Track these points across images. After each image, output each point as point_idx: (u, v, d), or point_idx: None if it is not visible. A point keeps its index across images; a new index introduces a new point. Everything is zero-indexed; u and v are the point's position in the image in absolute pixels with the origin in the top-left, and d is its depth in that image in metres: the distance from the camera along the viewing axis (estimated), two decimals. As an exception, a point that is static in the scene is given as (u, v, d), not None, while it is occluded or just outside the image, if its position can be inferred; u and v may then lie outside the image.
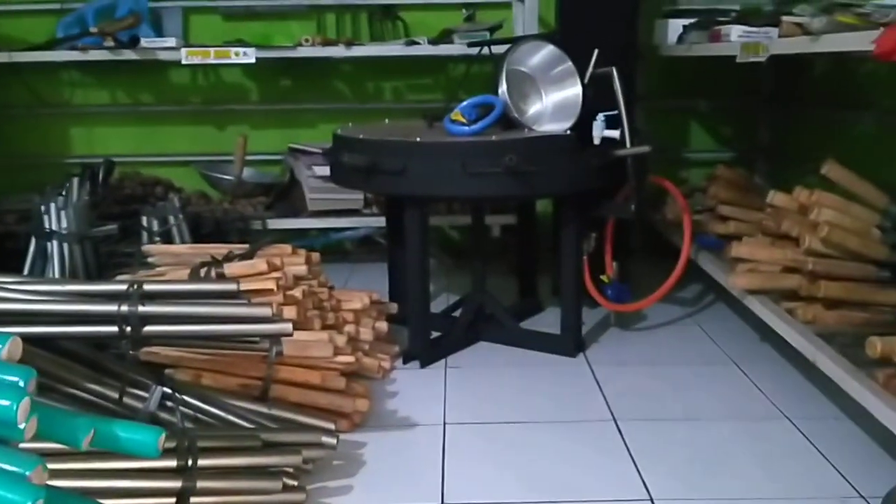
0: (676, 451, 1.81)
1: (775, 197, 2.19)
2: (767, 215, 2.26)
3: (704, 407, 2.03)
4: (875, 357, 1.62)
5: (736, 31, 2.31)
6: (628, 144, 2.22)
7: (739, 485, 1.66)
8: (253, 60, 3.00)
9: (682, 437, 1.88)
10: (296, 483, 1.55)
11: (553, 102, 2.37)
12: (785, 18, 1.94)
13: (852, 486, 1.64)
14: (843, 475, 1.68)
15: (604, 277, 2.58)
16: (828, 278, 1.97)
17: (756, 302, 2.15)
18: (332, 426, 1.74)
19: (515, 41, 2.42)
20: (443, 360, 2.35)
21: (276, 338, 1.76)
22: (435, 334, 2.41)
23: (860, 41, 1.56)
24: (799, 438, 1.85)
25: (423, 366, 2.30)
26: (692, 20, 2.79)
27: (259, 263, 2.02)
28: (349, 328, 2.12)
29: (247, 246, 2.20)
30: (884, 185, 2.09)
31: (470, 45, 2.86)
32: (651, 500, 1.61)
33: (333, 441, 1.66)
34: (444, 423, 1.96)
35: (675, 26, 2.87)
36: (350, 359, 1.92)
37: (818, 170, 2.14)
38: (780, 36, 2.02)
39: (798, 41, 1.87)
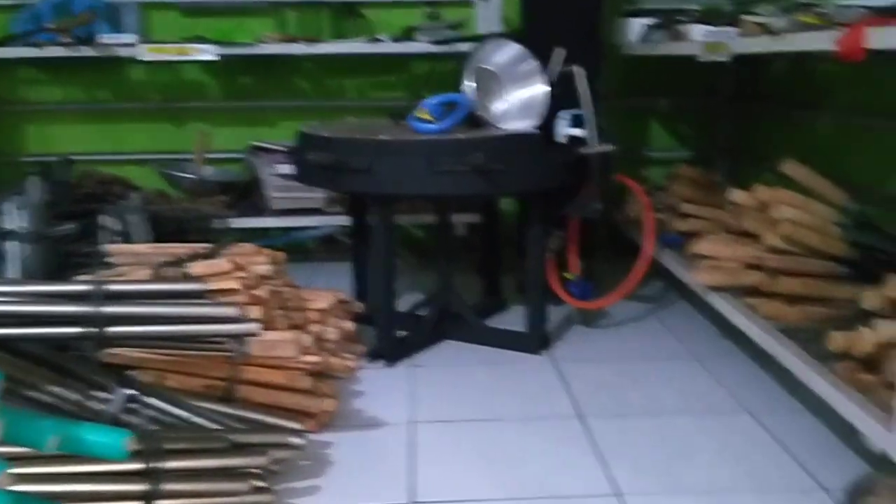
0: (641, 446, 1.83)
1: (736, 195, 2.22)
2: (728, 213, 2.29)
3: (668, 402, 2.06)
4: (835, 351, 1.65)
5: (698, 31, 2.34)
6: (593, 143, 2.24)
7: (704, 478, 1.68)
8: (214, 57, 2.96)
9: (647, 432, 1.90)
10: (263, 484, 1.53)
11: (518, 101, 2.37)
12: (746, 18, 1.97)
13: (813, 479, 1.67)
14: (803, 467, 1.72)
15: (568, 275, 2.59)
16: (788, 274, 2.00)
17: (718, 298, 2.18)
18: (299, 426, 1.73)
19: (481, 39, 2.42)
20: (409, 359, 2.34)
21: (241, 338, 1.74)
22: (401, 333, 2.40)
23: (821, 41, 1.59)
24: (760, 432, 1.88)
25: (389, 365, 2.29)
26: (654, 20, 2.82)
27: (223, 263, 1.99)
28: (315, 328, 2.09)
29: (210, 245, 2.17)
30: (842, 183, 2.13)
31: (435, 42, 2.85)
32: (618, 495, 1.62)
33: (301, 441, 1.64)
34: (412, 422, 1.95)
35: (638, 25, 2.90)
36: (316, 358, 1.90)
37: (778, 168, 2.18)
38: (741, 35, 2.05)
39: (760, 41, 1.90)
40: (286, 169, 2.75)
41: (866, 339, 1.56)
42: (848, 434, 1.76)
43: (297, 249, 3.42)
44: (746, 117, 3.35)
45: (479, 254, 2.89)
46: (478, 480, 1.69)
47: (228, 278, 1.95)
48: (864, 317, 1.65)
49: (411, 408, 2.03)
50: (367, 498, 1.63)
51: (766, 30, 1.82)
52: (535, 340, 2.40)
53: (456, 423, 1.95)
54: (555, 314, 2.66)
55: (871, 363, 1.63)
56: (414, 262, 3.31)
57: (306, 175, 2.32)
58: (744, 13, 2.06)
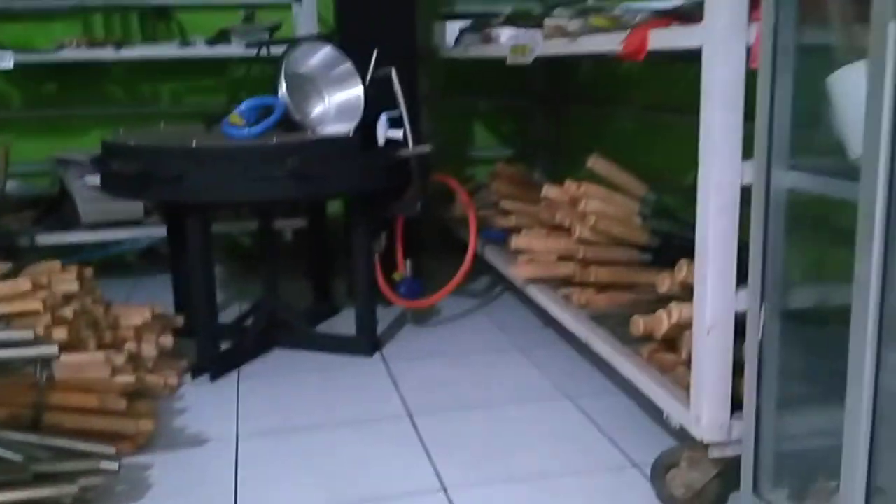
0: (468, 439, 1.87)
1: (549, 190, 2.31)
2: (543, 208, 2.39)
3: (495, 394, 2.12)
4: (639, 335, 1.75)
5: (505, 34, 2.41)
6: (411, 144, 2.27)
7: (527, 465, 1.74)
8: (10, 66, 2.76)
9: (474, 424, 1.94)
10: (72, 515, 1.45)
11: (336, 103, 2.37)
12: (547, 21, 2.05)
13: (626, 456, 1.77)
14: (618, 447, 1.81)
15: (396, 275, 2.62)
16: (598, 264, 2.10)
17: (536, 290, 2.27)
18: (112, 450, 1.64)
19: (293, 42, 2.40)
20: (235, 372, 2.28)
21: (43, 361, 1.64)
22: (226, 345, 2.34)
23: (611, 42, 1.68)
24: (579, 416, 1.97)
25: (213, 379, 2.22)
26: (468, 23, 2.89)
27: (23, 283, 1.87)
28: (130, 346, 2.01)
29: (9, 264, 2.03)
30: (643, 175, 2.26)
31: (248, 45, 2.79)
32: (443, 489, 1.65)
33: (115, 465, 1.56)
34: (237, 436, 1.90)
35: (453, 28, 2.97)
36: (130, 378, 1.82)
37: (587, 163, 2.28)
38: (544, 38, 2.13)
39: (558, 43, 1.98)
40: (96, 180, 2.62)
41: (664, 321, 1.66)
42: (655, 412, 1.86)
43: (116, 264, 3.27)
44: (559, 115, 3.50)
45: (307, 259, 2.86)
46: (306, 490, 1.67)
47: (30, 299, 1.83)
48: (667, 300, 1.76)
49: (237, 421, 1.98)
50: (188, 518, 1.57)
51: (564, 32, 1.91)
52: (366, 343, 2.40)
53: (284, 434, 1.92)
54: (386, 315, 2.67)
55: (671, 343, 1.74)
56: (240, 271, 3.23)
57: (112, 186, 2.21)
58: (548, 16, 2.14)
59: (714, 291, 1.42)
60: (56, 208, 3.05)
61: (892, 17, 0.95)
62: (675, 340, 1.73)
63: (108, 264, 3.21)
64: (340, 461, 1.78)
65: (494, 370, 2.27)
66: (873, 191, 1.00)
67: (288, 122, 2.23)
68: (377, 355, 2.40)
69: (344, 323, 2.65)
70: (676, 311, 1.63)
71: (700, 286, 1.43)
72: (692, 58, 1.42)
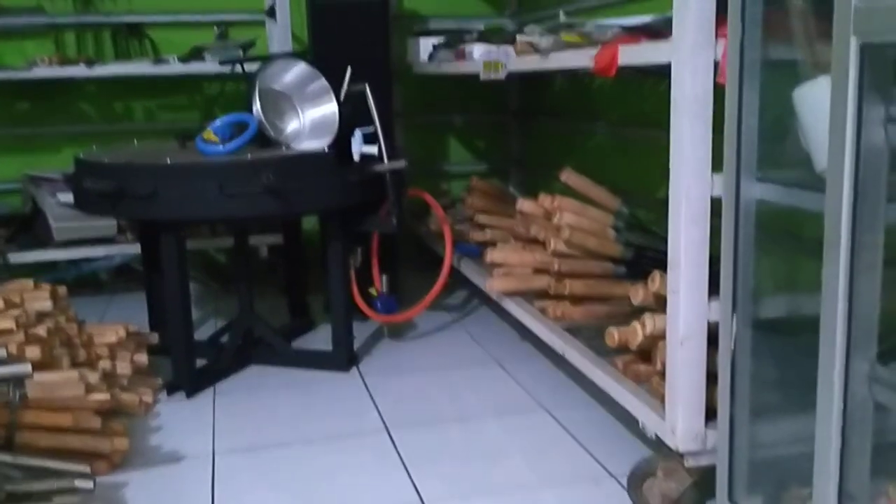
0: (446, 453, 1.87)
1: (523, 204, 2.33)
2: (518, 222, 2.41)
3: (472, 407, 2.12)
4: (614, 346, 1.77)
5: (478, 50, 2.44)
6: (385, 160, 2.28)
7: (506, 479, 1.75)
8: (-20, 83, 2.75)
9: (452, 438, 1.95)
10: (47, 535, 1.43)
11: (310, 120, 2.37)
12: (519, 38, 2.08)
13: (603, 467, 1.78)
14: (595, 458, 1.82)
15: (372, 290, 2.62)
16: (572, 277, 2.12)
17: (512, 303, 2.28)
18: (86, 469, 1.63)
19: (267, 59, 2.40)
20: (211, 389, 2.27)
21: (16, 380, 1.62)
22: (202, 362, 2.33)
23: (582, 58, 1.70)
24: (557, 428, 1.98)
25: (189, 396, 2.21)
26: (441, 39, 2.91)
27: (-5, 302, 1.86)
28: (104, 364, 1.99)
29: (-20, 284, 2.02)
30: (615, 189, 2.29)
31: (222, 62, 2.80)
32: (422, 503, 1.65)
33: (90, 484, 1.55)
34: (213, 453, 1.89)
35: (426, 45, 2.99)
36: (104, 396, 1.81)
37: (560, 177, 2.31)
38: (516, 54, 2.16)
39: (530, 59, 2.01)
40: (68, 198, 2.60)
41: (638, 332, 1.68)
42: (630, 422, 1.88)
43: (89, 282, 3.24)
44: (533, 131, 3.53)
45: (282, 275, 2.86)
46: (283, 505, 1.66)
47: (2, 317, 1.82)
48: (640, 312, 1.78)
49: (213, 439, 1.97)
50: (165, 537, 1.56)
51: (536, 49, 1.93)
52: (342, 358, 2.40)
53: (261, 451, 1.91)
54: (362, 330, 2.67)
55: (645, 354, 1.76)
56: (216, 288, 3.22)
57: (86, 203, 2.20)
58: (520, 33, 2.17)
59: (687, 302, 1.44)
60: (28, 226, 3.02)
61: (852, 33, 0.98)
62: (649, 351, 1.75)
63: (81, 282, 3.18)
64: (318, 476, 1.78)
65: (472, 383, 2.28)
66: (839, 202, 1.02)
67: (262, 139, 2.23)
68: (354, 370, 2.40)
69: (320, 338, 2.65)
70: (650, 322, 1.65)
71: (673, 297, 1.46)
72: (662, 73, 1.45)
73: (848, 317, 1.05)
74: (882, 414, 1.11)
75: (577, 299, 2.12)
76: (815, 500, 1.13)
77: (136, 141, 2.70)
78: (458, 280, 2.77)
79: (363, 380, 2.33)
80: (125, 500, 1.68)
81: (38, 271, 2.87)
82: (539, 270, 2.22)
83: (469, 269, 2.68)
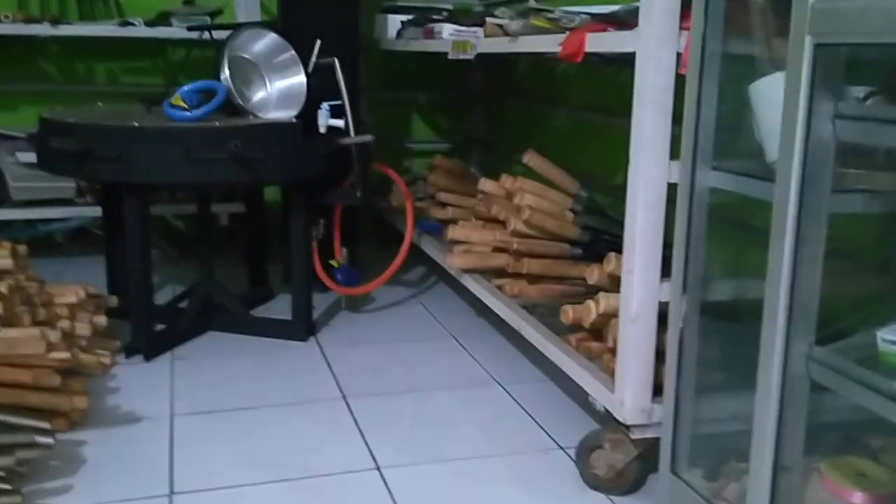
0: (402, 422, 1.92)
1: (485, 184, 2.38)
2: (479, 201, 2.46)
3: (427, 379, 2.18)
4: (568, 323, 1.83)
5: (447, 30, 2.47)
6: (352, 133, 2.31)
7: (458, 447, 1.81)
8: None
9: (407, 408, 2.00)
10: (9, 487, 1.45)
11: (278, 90, 2.39)
12: (488, 20, 2.12)
13: (553, 440, 1.85)
14: (545, 431, 1.89)
15: (333, 262, 2.65)
16: (530, 256, 2.18)
17: (471, 280, 2.33)
18: (47, 425, 1.64)
19: (237, 27, 2.41)
20: (169, 353, 2.29)
21: (-22, 336, 1.63)
22: (160, 327, 2.34)
23: (550, 43, 1.75)
24: (509, 401, 2.05)
25: (147, 359, 2.22)
26: (410, 16, 2.94)
27: (-45, 258, 1.85)
28: (64, 324, 1.99)
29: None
30: (575, 173, 2.35)
31: (189, 28, 2.78)
32: (378, 468, 1.70)
33: (49, 440, 1.57)
34: (172, 415, 1.92)
35: (395, 21, 3.01)
36: (65, 355, 1.81)
37: (522, 159, 2.36)
38: (485, 36, 2.20)
39: (499, 41, 2.05)
40: (28, 157, 2.58)
41: (592, 310, 1.75)
42: (581, 397, 1.96)
43: (45, 243, 3.21)
44: (495, 111, 3.58)
45: (243, 244, 2.87)
46: (241, 467, 1.70)
47: (-38, 274, 1.81)
48: (595, 292, 1.84)
49: (171, 401, 1.99)
50: (123, 494, 1.58)
51: (505, 31, 1.97)
52: (302, 327, 2.43)
53: (219, 413, 1.94)
54: (321, 301, 2.71)
55: (599, 333, 1.83)
56: (174, 254, 3.22)
57: (50, 163, 2.19)
58: (489, 15, 2.21)
59: (640, 282, 1.50)
60: (-16, 184, 2.98)
61: (807, 31, 1.04)
62: (601, 330, 1.81)
63: (37, 244, 3.15)
64: (276, 440, 1.82)
65: (428, 356, 2.33)
66: (787, 189, 1.09)
67: (230, 107, 2.24)
68: (312, 340, 2.43)
69: (278, 308, 2.67)
70: (604, 301, 1.71)
71: (627, 277, 1.52)
72: (625, 62, 1.50)
73: (790, 299, 1.12)
74: (817, 395, 1.19)
75: (534, 278, 2.18)
76: (752, 470, 1.21)
77: (99, 103, 2.68)
78: (416, 256, 2.81)
79: (321, 349, 2.36)
80: (84, 458, 1.71)
81: (-8, 230, 2.84)
82: (498, 249, 2.27)
83: (429, 246, 2.72)
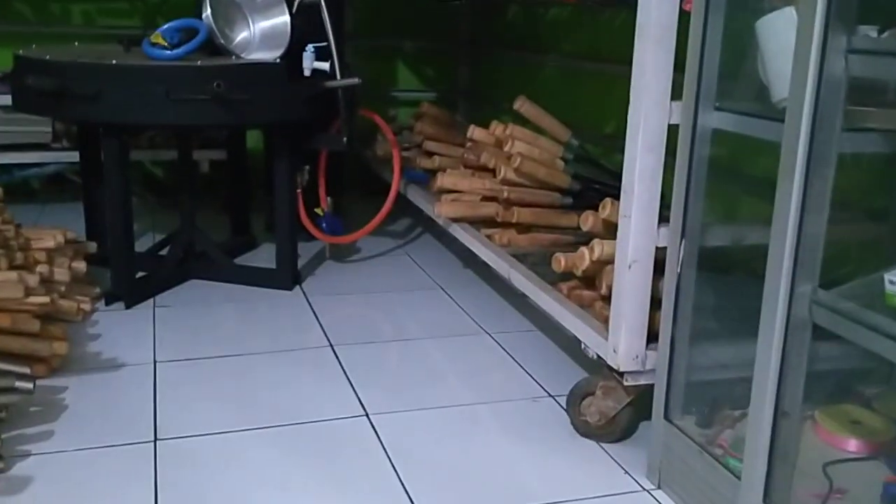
0: (389, 370, 1.90)
1: (475, 132, 2.33)
2: (468, 149, 2.41)
3: (414, 328, 2.15)
4: (560, 270, 1.80)
5: (437, -29, 2.39)
6: (338, 76, 2.24)
7: (445, 395, 1.78)
8: None
9: (394, 356, 1.98)
10: (-14, 432, 1.41)
11: (261, 31, 2.32)
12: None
13: (542, 388, 1.83)
14: (535, 379, 1.87)
15: (318, 210, 2.60)
16: (520, 205, 2.15)
17: (459, 229, 2.29)
18: (27, 370, 1.60)
19: (220, -35, 2.32)
20: (150, 300, 2.24)
21: (-48, 278, 1.57)
22: (141, 274, 2.29)
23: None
24: (497, 350, 2.03)
25: (128, 307, 2.18)
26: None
27: (-73, 198, 1.78)
28: (42, 268, 1.94)
29: None
30: (566, 121, 2.31)
31: (170, -33, 2.68)
32: (366, 415, 1.68)
33: (30, 385, 1.52)
34: (154, 362, 1.88)
35: (381, -37, 2.92)
36: (44, 299, 1.76)
37: (512, 108, 2.31)
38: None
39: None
40: (2, 99, 2.49)
41: (586, 256, 1.72)
42: (571, 346, 1.94)
43: (21, 189, 3.13)
44: (484, 60, 3.51)
45: (224, 192, 2.81)
46: (228, 413, 1.66)
47: (-65, 216, 1.75)
48: (586, 241, 1.81)
49: (154, 348, 1.95)
50: (105, 440, 1.55)
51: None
52: (287, 276, 2.39)
53: (204, 361, 1.91)
54: (306, 250, 2.66)
55: (590, 281, 1.80)
56: (153, 201, 3.15)
57: (25, 103, 2.11)
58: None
59: (637, 227, 1.47)
60: (-45, 128, 2.89)
61: (825, -39, 1.00)
62: (593, 279, 1.78)
63: (12, 189, 3.07)
64: (263, 386, 1.78)
65: (415, 306, 2.30)
66: (797, 127, 1.05)
67: (212, 47, 2.16)
68: (297, 289, 2.39)
69: (261, 257, 2.63)
70: (598, 248, 1.68)
71: (624, 221, 1.49)
72: (624, 2, 1.45)
73: (797, 241, 1.09)
74: (816, 344, 1.17)
75: (523, 227, 2.15)
76: (752, 414, 1.19)
77: (76, 43, 2.58)
78: (403, 207, 2.77)
79: (307, 298, 2.32)
80: (65, 404, 1.67)
81: (-35, 175, 2.76)
82: (488, 198, 2.24)
83: (416, 196, 2.67)
